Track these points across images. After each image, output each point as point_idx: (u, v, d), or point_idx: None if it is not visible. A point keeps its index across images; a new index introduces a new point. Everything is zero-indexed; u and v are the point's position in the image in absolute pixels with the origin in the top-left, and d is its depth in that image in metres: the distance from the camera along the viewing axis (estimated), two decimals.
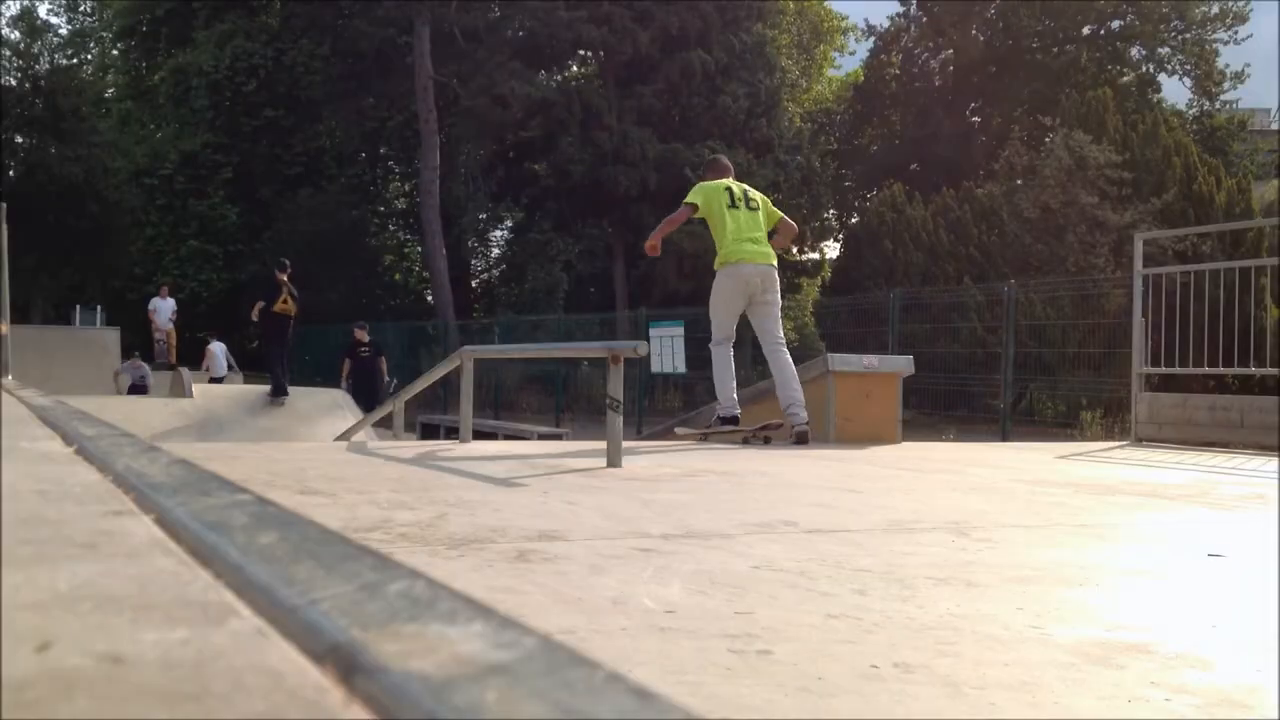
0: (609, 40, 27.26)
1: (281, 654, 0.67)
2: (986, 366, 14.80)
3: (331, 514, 2.65)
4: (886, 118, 35.82)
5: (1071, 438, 12.24)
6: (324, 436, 12.47)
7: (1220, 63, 31.17)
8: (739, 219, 6.27)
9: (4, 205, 8.58)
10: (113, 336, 23.14)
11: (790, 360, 6.36)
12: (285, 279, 13.36)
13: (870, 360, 6.90)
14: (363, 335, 15.86)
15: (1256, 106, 34.90)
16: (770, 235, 6.34)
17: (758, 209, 6.39)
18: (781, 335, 6.44)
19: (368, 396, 14.45)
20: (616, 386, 4.57)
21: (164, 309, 22.55)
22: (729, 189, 6.42)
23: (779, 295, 6.33)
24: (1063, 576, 2.21)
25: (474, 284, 36.99)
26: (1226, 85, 31.42)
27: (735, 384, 6.39)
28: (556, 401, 20.96)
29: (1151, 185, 18.49)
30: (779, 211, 6.57)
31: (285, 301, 13.36)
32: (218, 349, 21.48)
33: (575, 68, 33.39)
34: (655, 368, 18.21)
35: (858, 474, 4.47)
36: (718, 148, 26.96)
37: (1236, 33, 30.78)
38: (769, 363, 6.36)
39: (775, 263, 6.38)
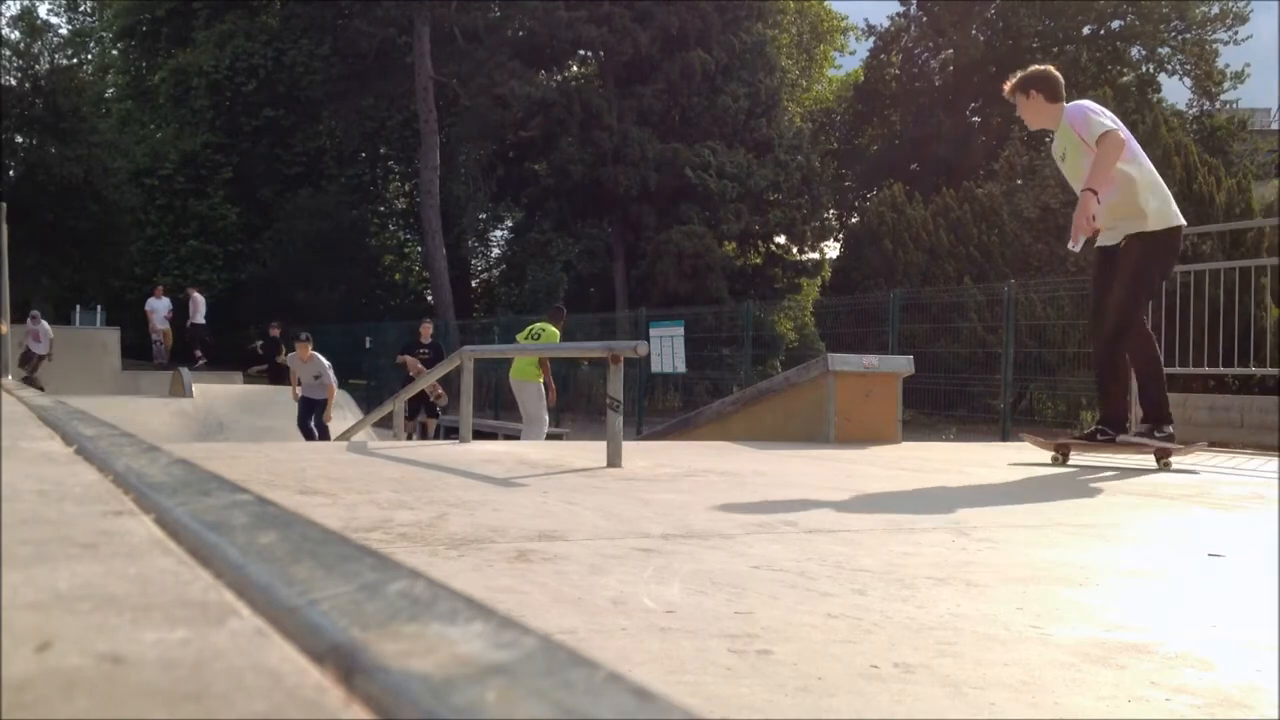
0: (609, 40, 27.25)
1: (281, 654, 0.67)
2: (986, 366, 14.80)
3: (331, 514, 2.65)
4: (886, 118, 35.81)
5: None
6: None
7: (1220, 63, 31.18)
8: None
9: (4, 205, 8.58)
10: (113, 336, 23.18)
11: (532, 435, 10.09)
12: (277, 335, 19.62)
13: (870, 360, 6.90)
14: (426, 333, 14.27)
15: (1256, 106, 34.91)
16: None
17: (536, 339, 10.51)
18: (533, 418, 10.39)
19: (425, 404, 13.84)
20: (616, 386, 4.57)
21: (160, 309, 22.66)
22: (530, 329, 10.85)
23: (529, 400, 10.50)
24: (1063, 576, 2.21)
25: (474, 284, 36.98)
26: (1226, 85, 31.42)
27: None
28: (556, 401, 20.94)
29: None
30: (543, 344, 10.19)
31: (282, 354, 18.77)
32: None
33: (575, 68, 33.38)
34: (655, 368, 18.21)
35: (858, 474, 4.47)
36: (717, 148, 26.99)
37: (1236, 33, 30.79)
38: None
39: (521, 378, 10.47)
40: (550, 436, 15.09)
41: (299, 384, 13.00)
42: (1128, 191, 4.67)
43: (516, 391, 10.59)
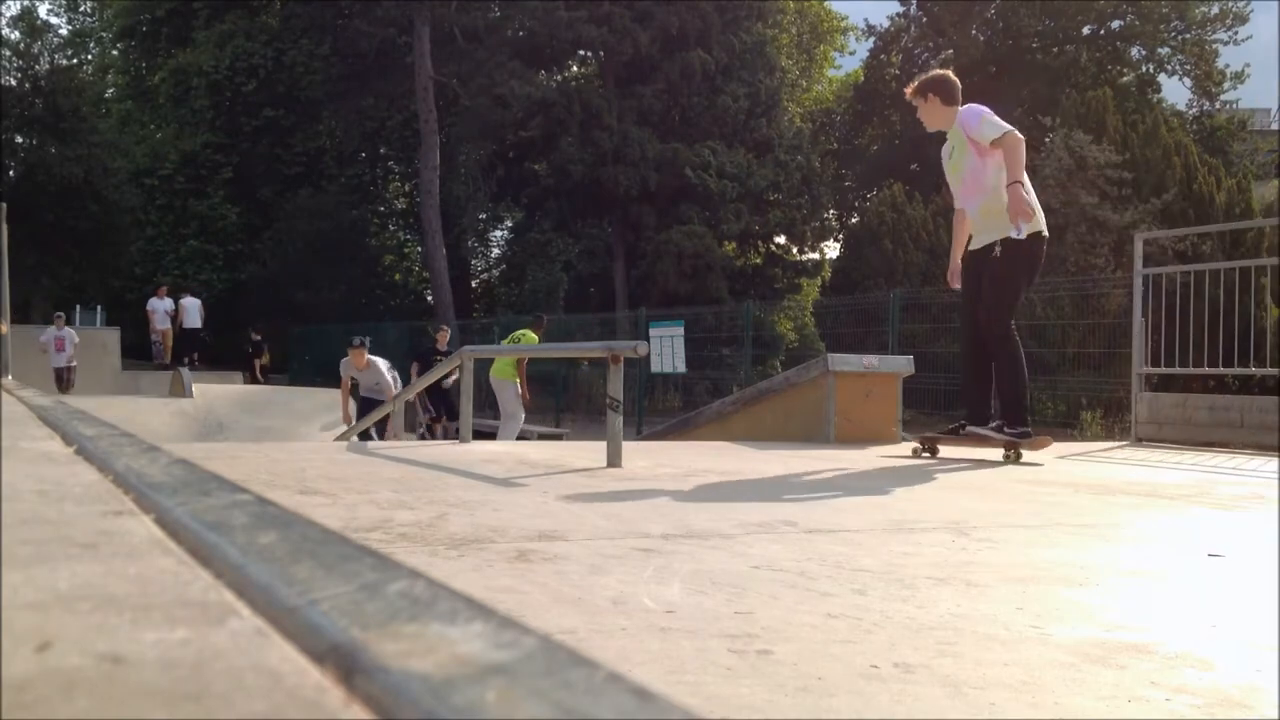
0: (609, 40, 27.24)
1: (281, 654, 0.67)
2: None
3: (331, 514, 2.65)
4: (886, 118, 35.77)
5: (1072, 438, 12.24)
6: (323, 436, 12.48)
7: (1220, 63, 31.16)
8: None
9: (4, 205, 8.56)
10: (113, 336, 23.19)
11: (507, 432, 11.15)
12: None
13: (870, 360, 6.90)
14: (442, 341, 13.69)
15: (1256, 106, 34.90)
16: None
17: (515, 342, 11.80)
18: (510, 415, 11.42)
19: (446, 407, 13.65)
20: (616, 386, 4.57)
21: (160, 309, 22.59)
22: (512, 335, 12.21)
23: (507, 399, 11.39)
24: (1063, 576, 2.21)
25: (474, 284, 36.98)
26: (1226, 85, 31.41)
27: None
28: (556, 401, 20.96)
29: (1151, 185, 18.48)
30: (521, 347, 11.40)
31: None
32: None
33: (575, 68, 33.38)
34: (655, 368, 18.21)
35: (858, 474, 4.47)
36: (717, 148, 26.99)
37: (1236, 33, 30.76)
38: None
39: (500, 377, 11.34)
40: (550, 436, 15.10)
41: (352, 394, 11.43)
42: (1000, 199, 4.92)
43: (496, 390, 11.53)
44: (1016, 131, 4.92)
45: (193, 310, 22.52)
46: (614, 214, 28.21)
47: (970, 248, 5.27)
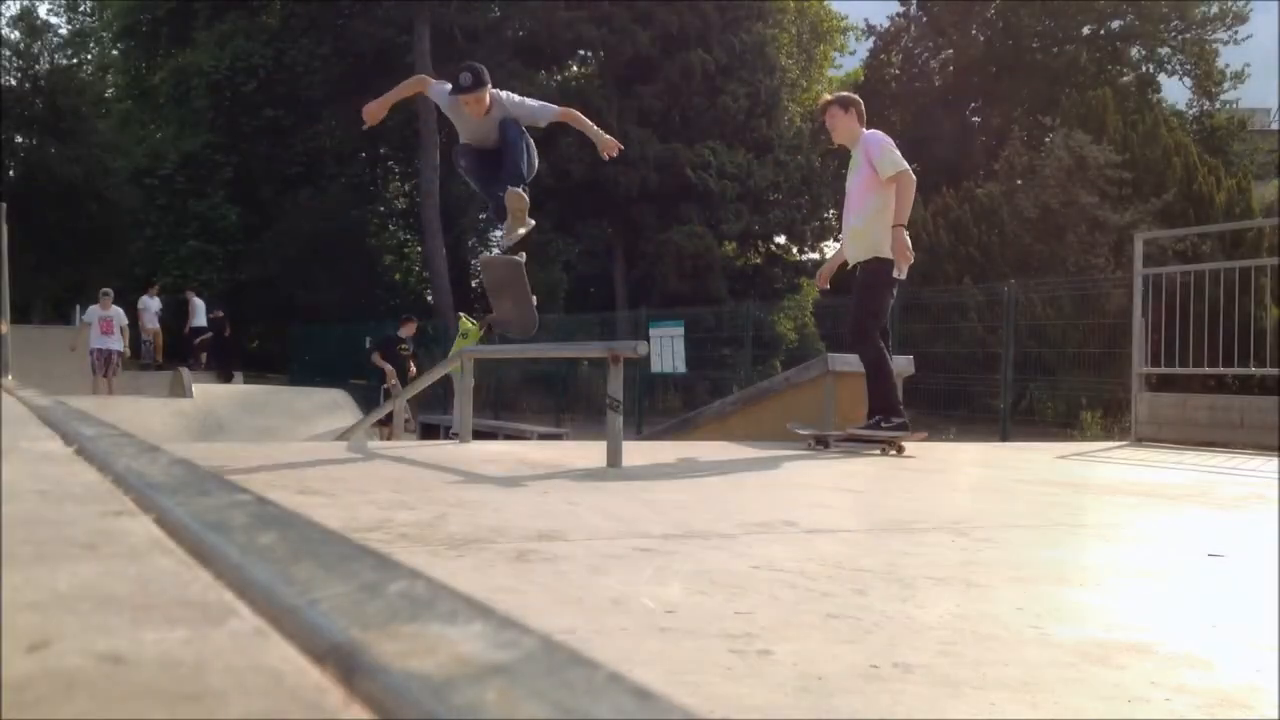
0: (609, 40, 27.24)
1: (281, 654, 0.67)
2: (986, 366, 14.78)
3: (331, 514, 2.65)
4: (886, 118, 35.74)
5: (1071, 438, 12.24)
6: (323, 436, 12.47)
7: (1220, 63, 31.15)
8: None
9: (4, 205, 8.54)
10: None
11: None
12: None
13: None
14: (408, 330, 14.02)
15: (1256, 106, 34.85)
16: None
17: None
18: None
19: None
20: (616, 386, 4.57)
21: (151, 308, 22.42)
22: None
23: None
24: (1063, 576, 2.21)
25: (474, 284, 36.99)
26: (1226, 85, 31.39)
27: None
28: (556, 401, 20.96)
29: (1151, 185, 18.48)
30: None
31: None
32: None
33: (575, 68, 33.38)
34: (655, 368, 18.21)
35: (857, 474, 4.47)
36: (718, 148, 27.00)
37: (1236, 33, 30.75)
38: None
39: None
40: (550, 436, 15.10)
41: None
42: (880, 222, 5.39)
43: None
44: (910, 172, 5.37)
45: (200, 309, 22.47)
46: (614, 214, 28.21)
47: (851, 265, 5.69)
